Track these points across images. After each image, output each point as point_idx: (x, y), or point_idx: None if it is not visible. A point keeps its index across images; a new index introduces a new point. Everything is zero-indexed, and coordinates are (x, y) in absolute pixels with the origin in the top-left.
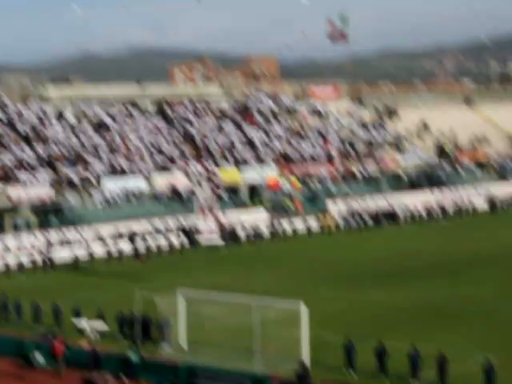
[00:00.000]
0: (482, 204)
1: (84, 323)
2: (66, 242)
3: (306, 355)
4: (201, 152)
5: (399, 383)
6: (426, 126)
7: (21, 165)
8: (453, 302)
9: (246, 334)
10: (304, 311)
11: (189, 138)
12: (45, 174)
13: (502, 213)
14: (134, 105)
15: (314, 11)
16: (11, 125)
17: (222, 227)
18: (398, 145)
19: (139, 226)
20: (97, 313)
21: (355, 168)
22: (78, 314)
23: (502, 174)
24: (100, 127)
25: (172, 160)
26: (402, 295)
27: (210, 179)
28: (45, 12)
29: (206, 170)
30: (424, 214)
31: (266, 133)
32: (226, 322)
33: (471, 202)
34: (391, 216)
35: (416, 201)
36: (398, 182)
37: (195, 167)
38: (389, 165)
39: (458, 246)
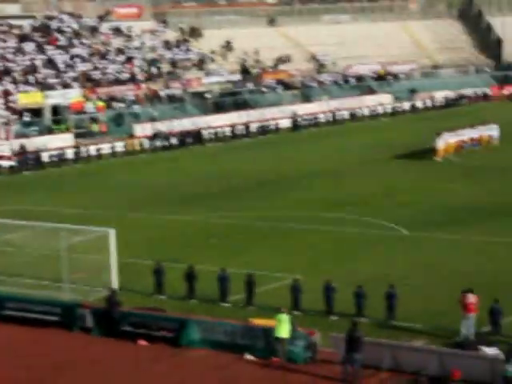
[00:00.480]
0: (285, 123)
1: None
2: None
3: (115, 281)
4: (2, 75)
5: (208, 305)
6: (229, 46)
7: None
8: (262, 223)
9: (53, 262)
10: (112, 236)
11: None
12: None
13: (304, 131)
14: None
15: None
16: None
17: (23, 151)
18: (202, 65)
19: None
20: None
21: (160, 89)
22: None
23: (305, 94)
24: None
25: None
26: (209, 216)
27: (7, 102)
28: None
29: (4, 93)
30: (229, 133)
31: (69, 54)
32: (32, 250)
33: (275, 121)
34: (197, 136)
35: (221, 121)
36: (202, 102)
37: None
38: (193, 85)
39: (262, 166)
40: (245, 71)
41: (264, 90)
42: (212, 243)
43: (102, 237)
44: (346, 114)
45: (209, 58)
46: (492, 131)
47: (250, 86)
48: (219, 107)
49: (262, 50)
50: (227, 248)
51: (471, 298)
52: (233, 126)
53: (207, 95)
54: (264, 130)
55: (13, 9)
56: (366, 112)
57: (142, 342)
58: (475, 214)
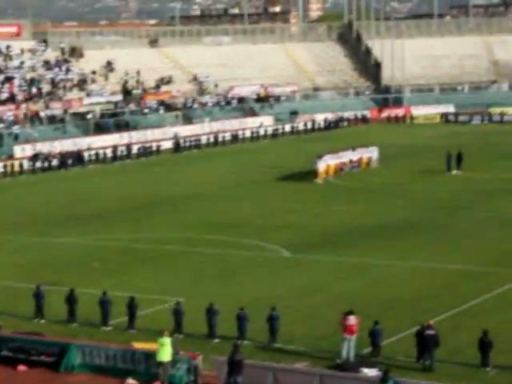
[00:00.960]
0: (167, 144)
1: None
2: None
3: None
4: None
5: (90, 329)
6: (110, 66)
7: None
8: (142, 246)
9: None
10: None
11: None
12: None
13: (186, 153)
14: None
15: None
16: None
17: None
18: (83, 85)
19: None
20: None
21: (40, 109)
22: None
23: (186, 115)
24: None
25: None
26: (93, 238)
27: None
28: None
29: None
30: (109, 155)
31: None
32: None
33: (157, 143)
34: (77, 158)
35: (101, 142)
36: (83, 123)
37: None
38: (74, 105)
39: (142, 188)
40: (126, 92)
41: (146, 111)
42: (94, 266)
43: None
44: (227, 136)
45: (90, 79)
46: (371, 153)
47: (132, 106)
48: (100, 128)
49: (144, 71)
50: (108, 271)
51: (352, 320)
52: (114, 148)
53: (88, 116)
54: (146, 152)
55: None
56: (248, 134)
57: (22, 368)
58: (357, 236)
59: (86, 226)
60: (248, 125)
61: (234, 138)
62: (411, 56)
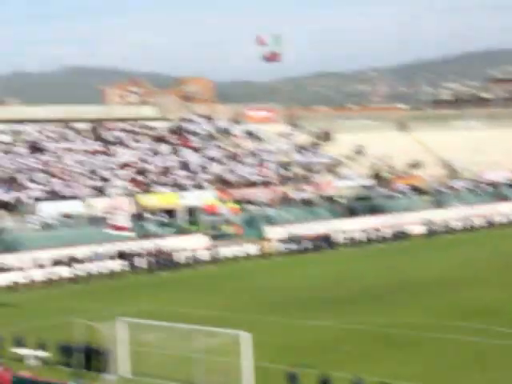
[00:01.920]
0: (418, 229)
1: (25, 352)
2: (2, 268)
3: None
4: (137, 175)
5: None
6: (361, 150)
7: None
8: (393, 329)
9: (187, 363)
10: (246, 340)
11: (125, 161)
12: None
13: (438, 238)
14: (70, 127)
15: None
16: None
17: (158, 252)
18: (333, 169)
19: (77, 250)
20: (37, 341)
21: (292, 192)
22: (19, 343)
23: (437, 200)
24: (35, 149)
25: (108, 183)
26: (340, 322)
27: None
28: None
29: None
30: (361, 238)
31: (203, 155)
32: (167, 351)
33: (408, 227)
34: (328, 240)
35: (353, 225)
36: (334, 206)
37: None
38: (325, 189)
39: (395, 272)
40: (377, 176)
41: (396, 195)
42: (345, 350)
43: (236, 340)
44: (480, 221)
45: (340, 162)
46: None
47: (382, 190)
48: (351, 211)
49: (394, 155)
50: (359, 355)
51: None
52: (366, 231)
53: (339, 199)
54: (397, 236)
55: (148, 111)
56: (502, 219)
57: None
58: None
59: (337, 310)
60: (500, 210)
61: (488, 223)
62: None
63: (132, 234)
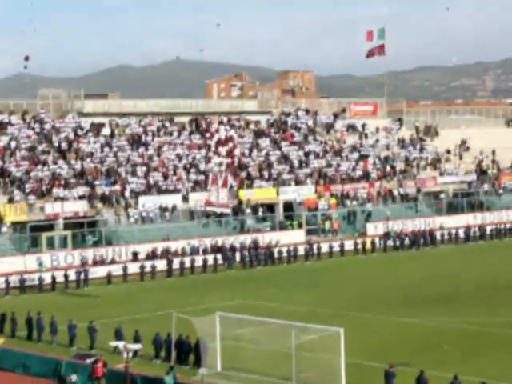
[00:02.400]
0: None
1: (120, 344)
2: (100, 260)
3: (343, 382)
4: (237, 169)
5: None
6: (465, 146)
7: (56, 180)
8: (495, 328)
9: (282, 359)
10: (342, 336)
11: (225, 155)
12: (80, 190)
13: None
14: (171, 120)
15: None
16: (48, 140)
17: (255, 246)
18: (436, 164)
19: (175, 244)
20: (133, 334)
21: (393, 187)
22: (116, 336)
23: None
24: (136, 142)
25: (207, 177)
26: (443, 320)
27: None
28: (82, 24)
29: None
30: (462, 235)
31: (304, 150)
32: (262, 346)
33: (510, 225)
34: (429, 237)
35: (454, 222)
36: (436, 202)
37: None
38: (427, 184)
39: (495, 270)
40: (481, 172)
41: (500, 191)
42: (444, 349)
43: (331, 336)
44: None
45: (444, 158)
46: None
47: (486, 187)
48: (453, 208)
49: (499, 151)
50: (458, 354)
51: None
52: (467, 228)
53: (441, 195)
54: (499, 233)
55: (250, 105)
56: None
57: None
58: None
59: (436, 307)
60: None
61: None
62: None
63: (228, 211)
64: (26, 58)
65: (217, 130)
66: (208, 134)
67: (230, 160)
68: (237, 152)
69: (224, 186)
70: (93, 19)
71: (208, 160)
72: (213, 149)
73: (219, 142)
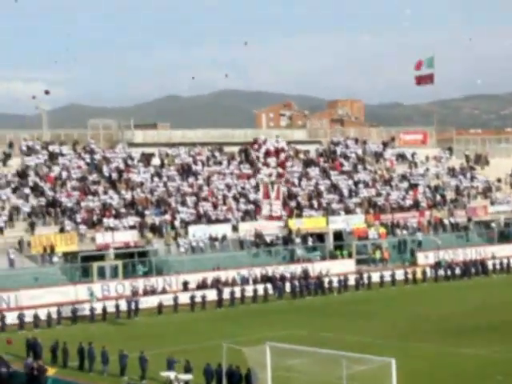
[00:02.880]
0: None
1: (171, 375)
2: (151, 289)
3: None
4: (286, 198)
5: None
6: None
7: (107, 210)
8: None
9: None
10: (394, 366)
11: (274, 183)
12: (130, 220)
13: None
14: (220, 150)
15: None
16: (98, 170)
17: (306, 276)
18: (487, 193)
19: (225, 273)
20: (184, 364)
21: (444, 216)
22: (167, 366)
23: None
24: (186, 172)
25: (257, 206)
26: (496, 350)
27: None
28: (130, 55)
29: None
30: None
31: (353, 179)
32: (313, 377)
33: None
34: (481, 267)
35: (505, 251)
36: (487, 232)
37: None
38: (478, 213)
39: None
40: None
41: None
42: (497, 380)
43: (383, 366)
44: None
45: (495, 186)
46: None
47: None
48: (505, 237)
49: None
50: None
51: None
52: None
53: (492, 224)
54: None
55: (300, 134)
56: None
57: None
58: None
59: (489, 337)
60: None
61: None
62: None
63: (281, 223)
64: (47, 92)
65: (266, 160)
66: (258, 163)
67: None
68: (286, 181)
69: (277, 198)
70: (142, 51)
71: (257, 189)
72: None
73: (269, 172)
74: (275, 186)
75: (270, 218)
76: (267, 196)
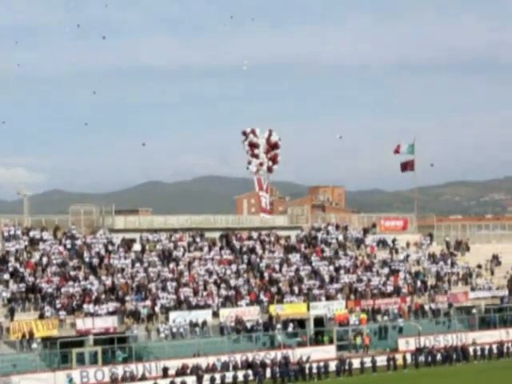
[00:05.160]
0: None
1: None
2: (130, 376)
3: None
4: (267, 284)
5: None
6: (496, 261)
7: (87, 295)
8: None
9: None
10: None
11: (255, 270)
12: (111, 306)
13: None
14: (202, 235)
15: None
16: (79, 255)
17: (286, 362)
18: (467, 279)
19: (205, 360)
20: None
21: (424, 302)
22: None
23: None
24: (167, 258)
25: (238, 292)
26: None
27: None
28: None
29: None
30: (496, 351)
31: (334, 265)
32: None
33: None
34: (462, 353)
35: (487, 337)
36: (468, 318)
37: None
38: (459, 299)
39: None
40: None
41: None
42: None
43: None
44: None
45: (475, 273)
46: None
47: None
48: (485, 323)
49: None
50: None
51: None
52: (500, 344)
53: (473, 310)
54: None
55: (281, 220)
56: None
57: None
58: None
59: None
60: None
61: None
62: None
63: (271, 216)
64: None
65: (247, 246)
66: (238, 249)
67: (260, 276)
68: (267, 267)
69: (266, 191)
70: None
71: (238, 275)
72: (243, 264)
73: (249, 258)
74: (266, 181)
75: (262, 210)
76: (261, 188)
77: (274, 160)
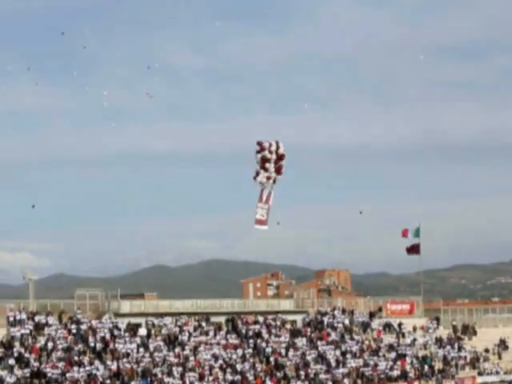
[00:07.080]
0: None
1: None
2: None
3: None
4: (273, 369)
5: None
6: (504, 345)
7: (92, 381)
8: None
9: None
10: None
11: (261, 355)
12: None
13: None
14: (207, 320)
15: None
16: (84, 340)
17: None
18: (475, 363)
19: None
20: None
21: None
22: None
23: None
24: (172, 342)
25: (244, 377)
26: None
27: None
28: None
29: None
30: None
31: (340, 349)
32: None
33: None
34: None
35: None
36: None
37: None
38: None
39: None
40: None
41: None
42: None
43: None
44: None
45: (482, 357)
46: None
47: None
48: None
49: None
50: None
51: None
52: None
53: None
54: None
55: (287, 304)
56: None
57: None
58: None
59: None
60: None
61: None
62: None
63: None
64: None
65: (253, 330)
66: (244, 334)
67: (266, 360)
68: (273, 352)
69: (266, 202)
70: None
71: (244, 360)
72: (248, 349)
73: (255, 342)
74: (268, 191)
75: (256, 221)
76: (261, 199)
77: (278, 171)
